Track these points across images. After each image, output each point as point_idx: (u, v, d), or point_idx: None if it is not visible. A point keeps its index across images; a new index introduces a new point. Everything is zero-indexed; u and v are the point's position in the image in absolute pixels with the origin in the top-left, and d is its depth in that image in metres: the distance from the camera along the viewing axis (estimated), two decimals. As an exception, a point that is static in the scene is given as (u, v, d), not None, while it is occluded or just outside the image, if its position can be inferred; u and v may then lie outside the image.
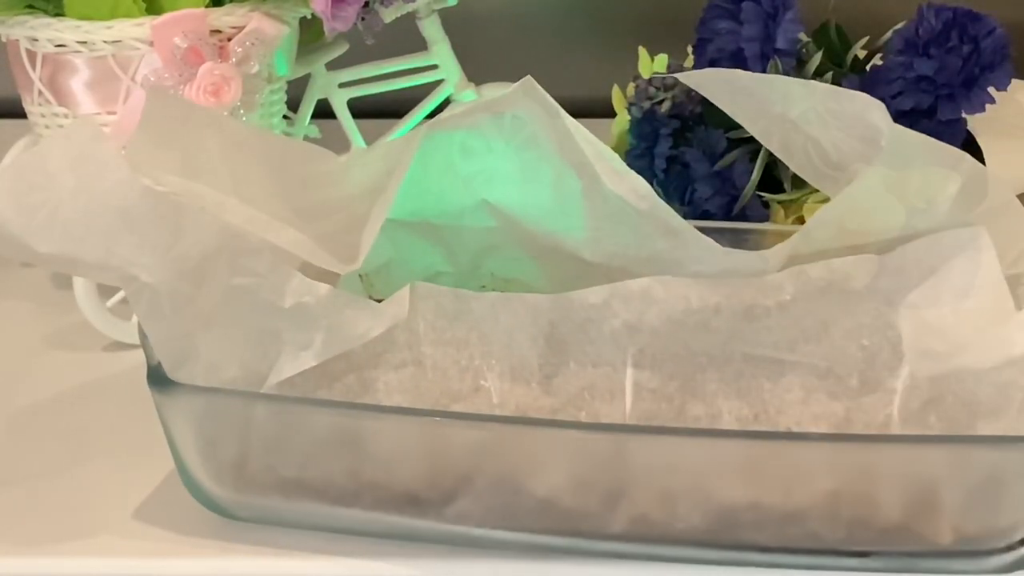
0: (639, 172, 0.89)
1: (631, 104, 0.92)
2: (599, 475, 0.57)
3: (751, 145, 0.85)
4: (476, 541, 0.59)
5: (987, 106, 0.82)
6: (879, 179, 0.62)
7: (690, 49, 0.89)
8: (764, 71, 0.83)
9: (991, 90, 0.82)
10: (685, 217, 0.85)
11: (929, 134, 0.82)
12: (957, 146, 0.82)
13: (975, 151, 0.84)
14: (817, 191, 0.83)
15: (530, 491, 0.57)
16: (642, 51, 0.97)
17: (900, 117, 0.83)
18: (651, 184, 0.88)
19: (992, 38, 0.82)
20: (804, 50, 0.85)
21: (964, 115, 0.83)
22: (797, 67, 0.84)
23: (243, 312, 0.61)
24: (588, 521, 0.58)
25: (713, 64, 0.86)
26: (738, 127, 0.85)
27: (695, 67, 0.88)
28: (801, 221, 0.82)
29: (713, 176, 0.85)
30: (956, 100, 0.82)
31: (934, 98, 0.82)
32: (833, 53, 0.87)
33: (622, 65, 0.98)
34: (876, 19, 0.89)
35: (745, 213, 0.84)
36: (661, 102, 0.91)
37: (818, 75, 0.84)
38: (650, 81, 0.92)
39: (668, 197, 0.88)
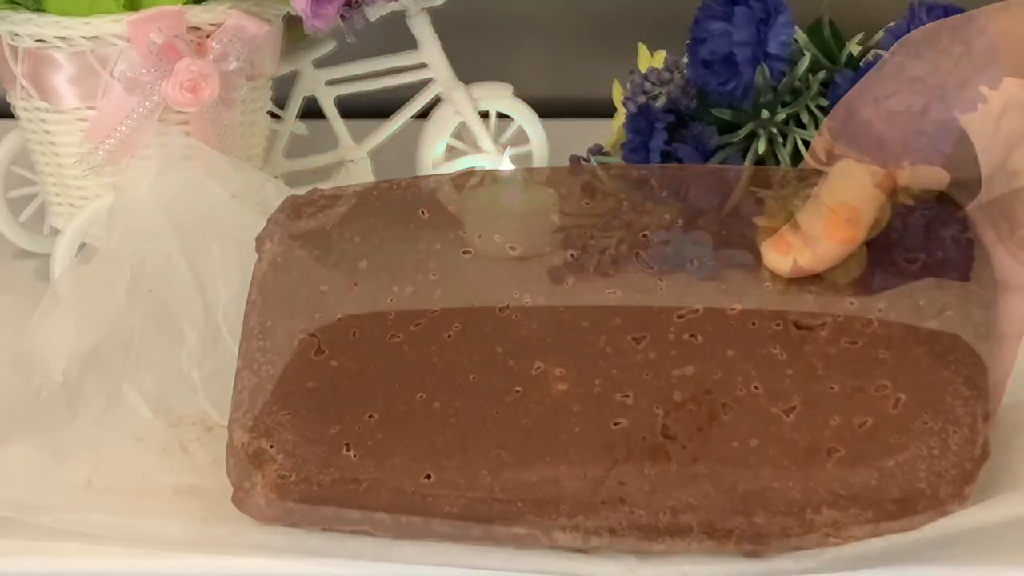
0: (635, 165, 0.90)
1: (626, 98, 0.91)
2: None
3: (743, 143, 0.84)
4: None
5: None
6: None
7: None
8: (754, 75, 0.82)
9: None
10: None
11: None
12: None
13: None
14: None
15: None
16: (642, 47, 0.96)
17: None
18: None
19: (983, 36, 0.81)
20: (801, 52, 0.84)
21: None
22: (789, 68, 0.83)
23: None
24: None
25: (706, 66, 0.85)
26: (732, 129, 0.85)
27: (689, 67, 0.87)
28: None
29: (705, 173, 0.84)
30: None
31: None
32: (827, 50, 0.86)
33: (613, 65, 0.97)
34: (870, 16, 0.88)
35: (735, 210, 0.83)
36: (656, 96, 0.90)
37: (811, 73, 0.83)
38: (645, 76, 0.91)
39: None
